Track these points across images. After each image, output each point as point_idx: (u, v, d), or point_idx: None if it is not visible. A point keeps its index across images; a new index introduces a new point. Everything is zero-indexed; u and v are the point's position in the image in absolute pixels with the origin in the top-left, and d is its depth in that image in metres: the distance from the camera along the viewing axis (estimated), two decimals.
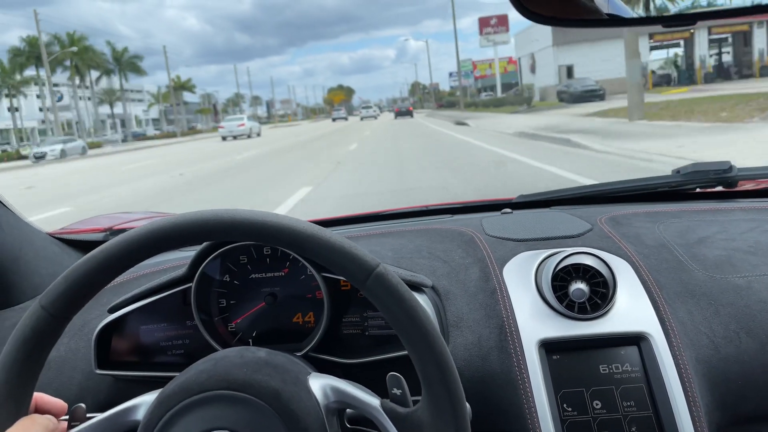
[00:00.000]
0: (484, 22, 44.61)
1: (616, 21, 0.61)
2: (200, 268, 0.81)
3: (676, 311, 0.81)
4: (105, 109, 64.07)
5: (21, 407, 0.57)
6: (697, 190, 1.22)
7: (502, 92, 46.40)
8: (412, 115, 46.31)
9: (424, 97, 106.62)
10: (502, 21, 44.56)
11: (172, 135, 55.27)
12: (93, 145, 39.39)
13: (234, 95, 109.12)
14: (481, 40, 45.07)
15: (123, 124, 68.30)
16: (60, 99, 52.78)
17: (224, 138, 34.36)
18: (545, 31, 38.92)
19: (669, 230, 0.97)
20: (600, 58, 35.72)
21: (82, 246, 1.15)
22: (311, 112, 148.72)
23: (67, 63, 49.94)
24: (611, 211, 1.05)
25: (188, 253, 1.01)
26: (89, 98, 58.91)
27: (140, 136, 56.77)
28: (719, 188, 1.22)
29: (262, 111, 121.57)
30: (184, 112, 73.18)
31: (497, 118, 23.69)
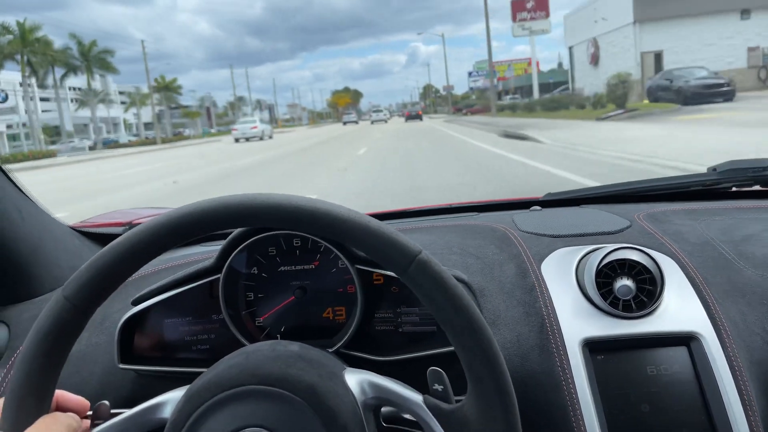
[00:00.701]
0: (517, 6, 33.56)
1: None
2: (228, 260, 0.79)
3: (728, 310, 0.77)
4: (88, 113, 57.83)
5: (42, 404, 0.54)
6: (733, 188, 1.18)
7: (540, 93, 36.95)
8: (421, 119, 49.24)
9: (436, 101, 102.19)
10: (541, 4, 33.59)
11: (151, 142, 48.00)
12: (35, 156, 31.37)
13: (237, 99, 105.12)
14: (515, 29, 34.36)
15: (114, 129, 63.85)
16: (4, 100, 44.42)
17: (237, 140, 35.60)
18: (620, 4, 27.33)
19: (711, 228, 0.93)
20: (701, 41, 24.94)
21: (103, 239, 1.13)
22: (317, 117, 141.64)
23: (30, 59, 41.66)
24: (647, 209, 1.01)
25: (213, 247, 0.98)
26: (45, 99, 51.88)
27: (111, 144, 49.40)
28: (756, 187, 1.17)
29: (263, 115, 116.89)
30: (169, 116, 67.65)
31: (581, 129, 14.64)
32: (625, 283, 0.75)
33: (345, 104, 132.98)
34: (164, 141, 49.29)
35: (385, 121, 58.57)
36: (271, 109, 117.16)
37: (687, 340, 0.74)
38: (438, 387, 0.55)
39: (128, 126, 72.09)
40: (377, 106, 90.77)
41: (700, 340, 0.74)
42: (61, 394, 0.60)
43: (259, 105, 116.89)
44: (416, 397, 0.55)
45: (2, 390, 0.82)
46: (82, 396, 0.63)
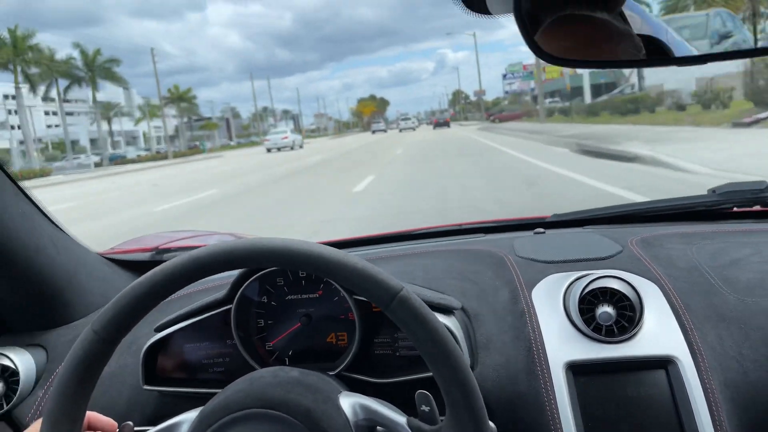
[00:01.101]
0: None
1: (632, 62, 0.63)
2: (239, 291, 0.85)
3: (705, 335, 0.80)
4: (113, 126, 54.13)
5: (75, 426, 0.60)
6: (734, 209, 1.19)
7: (592, 96, 34.12)
8: (448, 125, 51.18)
9: (466, 107, 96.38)
10: None
11: (162, 156, 45.80)
12: (26, 176, 27.91)
13: (262, 110, 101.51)
14: None
15: (134, 143, 60.52)
16: None
17: (269, 150, 36.41)
18: None
19: (701, 252, 0.96)
20: None
21: (130, 266, 1.19)
22: (344, 126, 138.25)
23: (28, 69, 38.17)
24: (644, 232, 1.05)
25: (228, 274, 1.03)
26: (66, 113, 46.45)
27: (118, 159, 45.44)
28: (756, 208, 1.19)
29: (288, 126, 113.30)
30: (182, 129, 63.30)
31: (726, 141, 9.27)
32: (605, 309, 0.79)
33: (370, 113, 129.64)
34: (177, 155, 46.35)
35: (414, 129, 58.65)
36: (295, 119, 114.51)
37: (665, 363, 0.78)
38: (425, 408, 0.60)
39: (147, 139, 67.27)
40: (405, 114, 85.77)
41: (677, 364, 0.77)
42: (91, 415, 0.67)
43: (285, 115, 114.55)
44: (400, 419, 0.62)
45: (42, 408, 0.91)
46: (112, 413, 0.70)
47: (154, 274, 0.59)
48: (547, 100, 45.02)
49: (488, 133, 27.01)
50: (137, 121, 59.70)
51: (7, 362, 0.93)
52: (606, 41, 0.59)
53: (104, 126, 51.55)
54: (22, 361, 0.94)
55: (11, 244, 0.90)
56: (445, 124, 50.98)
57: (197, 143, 64.34)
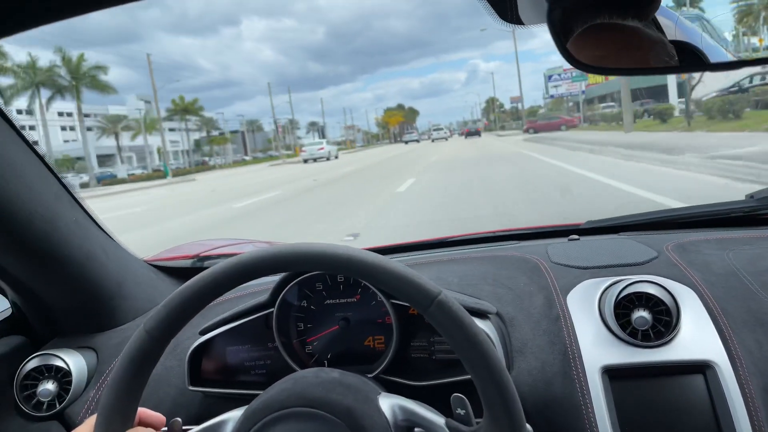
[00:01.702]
0: None
1: (663, 69, 0.63)
2: (281, 295, 0.88)
3: (744, 340, 0.80)
4: (111, 141, 48.49)
5: (127, 420, 0.64)
6: None
7: (678, 96, 26.97)
8: (479, 135, 53.60)
9: (501, 117, 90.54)
10: None
11: (159, 175, 38.60)
12: None
13: (289, 122, 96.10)
14: None
15: (151, 159, 53.72)
16: None
17: (305, 161, 37.16)
18: None
19: (739, 258, 0.95)
20: None
21: (174, 272, 1.23)
22: (372, 138, 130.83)
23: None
24: (680, 238, 1.04)
25: (269, 279, 1.06)
26: (87, 127, 41.93)
27: (107, 179, 40.78)
28: None
29: (313, 137, 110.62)
30: (197, 143, 59.77)
31: None
32: (641, 314, 0.79)
33: (397, 123, 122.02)
34: (178, 173, 39.83)
35: (446, 139, 58.80)
36: (321, 131, 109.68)
37: (702, 368, 0.77)
38: (460, 411, 0.62)
39: (163, 154, 59.22)
40: (438, 124, 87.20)
41: (715, 369, 0.76)
42: (142, 411, 0.70)
43: (311, 127, 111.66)
44: (439, 420, 0.63)
45: (93, 408, 0.94)
46: (160, 413, 0.73)
47: (201, 277, 0.62)
48: (602, 105, 41.42)
49: (542, 146, 19.87)
50: (134, 136, 50.96)
51: (60, 363, 0.97)
52: (638, 48, 0.59)
53: (113, 141, 48.33)
54: (74, 362, 0.98)
55: (66, 251, 0.94)
56: (477, 133, 55.39)
57: (206, 159, 60.97)
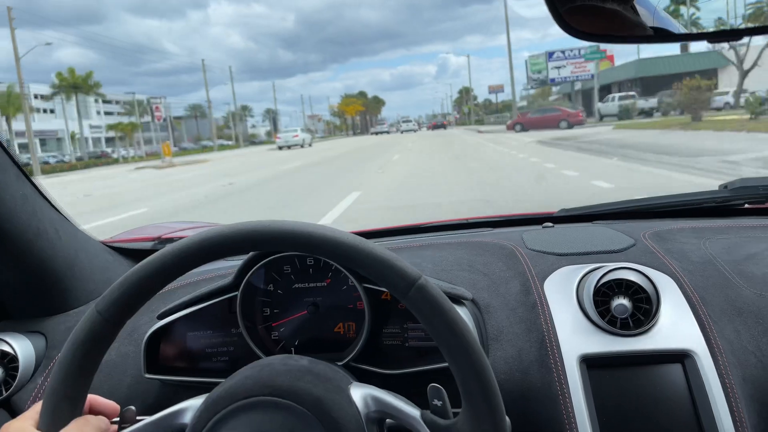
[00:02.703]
0: None
1: (661, 37, 0.61)
2: (246, 278, 0.83)
3: (723, 329, 0.79)
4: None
5: (76, 408, 0.59)
6: (746, 205, 1.18)
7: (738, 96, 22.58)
8: (445, 128, 55.46)
9: (475, 109, 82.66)
10: None
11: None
12: None
13: (242, 108, 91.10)
14: None
15: (58, 146, 46.58)
16: None
17: (280, 147, 38.71)
18: None
19: (715, 246, 0.94)
20: None
21: (133, 254, 1.17)
22: (336, 129, 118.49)
23: None
24: (655, 227, 1.03)
25: (234, 263, 1.02)
26: None
27: None
28: None
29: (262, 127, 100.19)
30: (86, 129, 47.86)
31: None
32: (621, 302, 0.77)
33: (356, 112, 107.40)
34: (49, 170, 31.71)
35: (414, 131, 59.72)
36: (273, 120, 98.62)
37: (681, 357, 0.76)
38: (437, 402, 0.58)
39: (76, 141, 51.98)
40: (407, 117, 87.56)
41: (694, 358, 0.75)
42: (93, 399, 0.66)
43: (266, 115, 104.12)
44: (414, 412, 0.59)
45: (41, 395, 0.88)
46: (113, 402, 0.68)
47: (162, 254, 0.57)
48: (616, 95, 31.75)
49: (575, 155, 12.68)
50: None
51: (6, 348, 0.91)
52: (637, 16, 0.57)
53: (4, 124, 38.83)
54: (22, 347, 0.93)
55: (11, 226, 0.88)
56: (442, 126, 60.17)
57: (108, 150, 51.23)
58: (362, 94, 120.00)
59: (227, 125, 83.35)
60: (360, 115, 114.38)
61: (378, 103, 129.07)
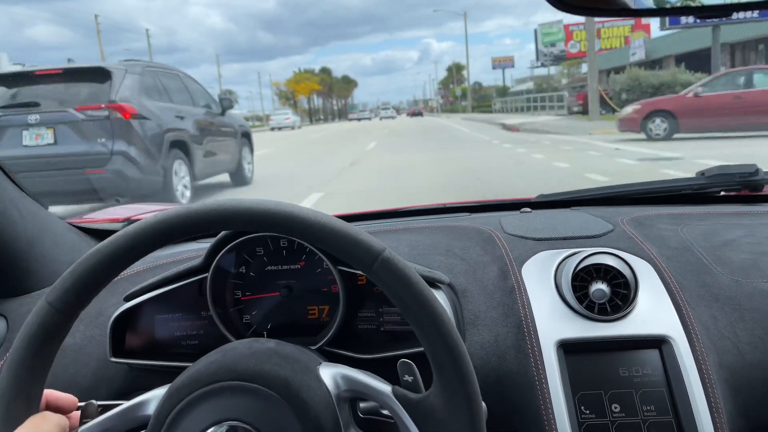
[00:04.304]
0: None
1: (647, 11, 0.60)
2: (216, 259, 0.81)
3: (700, 315, 0.79)
4: None
5: (32, 404, 0.56)
6: (722, 193, 1.19)
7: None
8: (422, 115, 53.65)
9: (461, 95, 62.83)
10: None
11: None
12: None
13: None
14: None
15: None
16: None
17: (273, 129, 41.28)
18: None
19: (693, 233, 0.94)
20: None
21: (100, 234, 1.14)
22: (308, 114, 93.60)
23: None
24: (633, 213, 1.03)
25: (206, 245, 0.99)
26: None
27: None
28: (744, 192, 1.18)
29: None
30: None
31: None
32: (599, 287, 0.77)
33: (309, 92, 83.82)
34: None
35: (393, 118, 59.42)
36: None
37: (658, 343, 0.76)
38: (408, 378, 0.57)
39: None
40: (386, 103, 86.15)
41: (671, 344, 0.75)
42: (49, 393, 0.62)
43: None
44: (385, 388, 0.58)
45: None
46: (77, 387, 0.66)
47: (115, 238, 0.54)
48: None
49: None
50: None
51: None
52: None
53: None
54: None
55: None
56: (419, 114, 59.10)
57: None
58: (325, 71, 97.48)
59: None
60: (322, 97, 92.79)
61: (349, 84, 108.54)
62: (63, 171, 5.31)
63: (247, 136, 8.26)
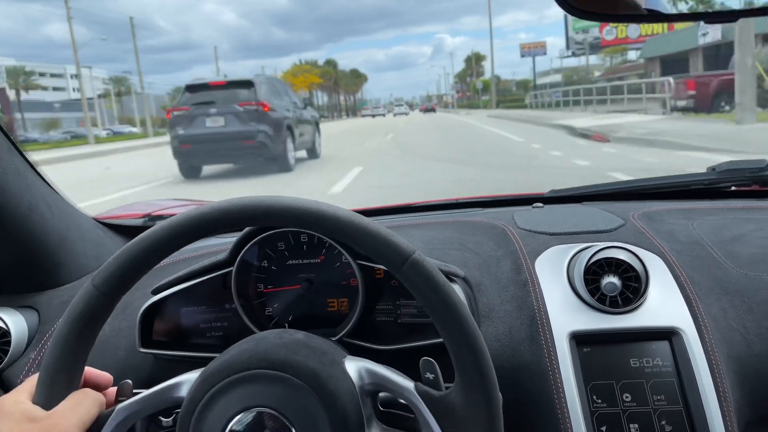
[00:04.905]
0: None
1: (656, 16, 0.60)
2: (240, 254, 0.84)
3: (709, 307, 0.81)
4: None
5: (73, 381, 0.60)
6: (732, 188, 1.20)
7: None
8: (435, 111, 52.72)
9: (481, 88, 59.22)
10: None
11: None
12: None
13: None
14: None
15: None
16: None
17: None
18: None
19: (703, 227, 0.96)
20: None
21: (124, 230, 1.18)
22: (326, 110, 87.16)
23: None
24: (644, 208, 1.05)
25: (227, 239, 1.03)
26: None
27: None
28: (755, 187, 1.19)
29: None
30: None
31: None
32: (611, 280, 0.79)
33: (309, 85, 75.50)
34: None
35: (406, 114, 58.75)
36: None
37: (669, 334, 0.78)
38: (429, 375, 0.60)
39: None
40: (399, 99, 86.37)
41: (681, 335, 0.77)
42: (88, 371, 0.66)
43: None
44: (408, 384, 0.60)
45: (34, 370, 0.89)
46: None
47: (157, 229, 0.58)
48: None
49: None
50: None
51: None
52: None
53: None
54: (14, 321, 0.92)
55: (4, 200, 0.88)
56: (432, 110, 57.40)
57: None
58: (330, 63, 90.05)
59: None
60: (327, 91, 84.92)
61: (357, 78, 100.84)
62: (229, 142, 9.06)
63: (317, 124, 12.11)
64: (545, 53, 40.38)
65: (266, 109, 9.09)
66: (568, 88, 28.43)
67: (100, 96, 66.01)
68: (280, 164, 9.44)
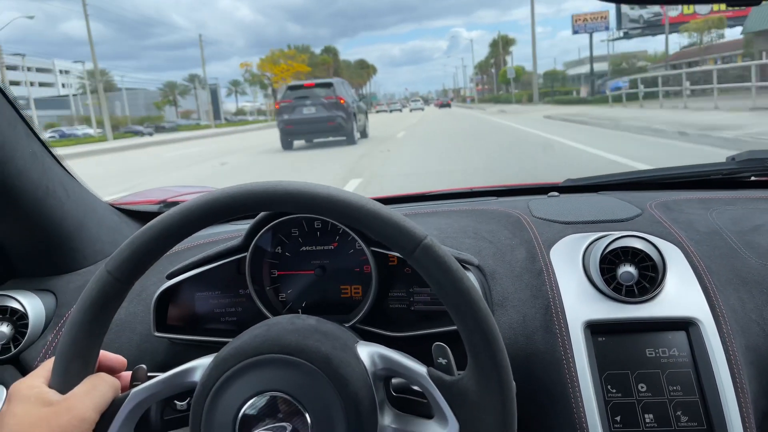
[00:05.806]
0: None
1: None
2: (255, 239, 0.84)
3: (727, 298, 0.80)
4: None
5: (88, 365, 0.60)
6: (752, 178, 1.18)
7: None
8: (450, 106, 54.28)
9: (513, 78, 49.80)
10: None
11: None
12: None
13: (189, 80, 68.58)
14: None
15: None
16: None
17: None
18: None
19: (722, 217, 0.95)
20: None
21: (139, 216, 1.19)
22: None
23: None
24: (662, 197, 1.03)
25: (241, 226, 1.04)
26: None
27: None
28: None
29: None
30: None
31: None
32: (627, 269, 0.79)
33: (290, 75, 57.05)
34: None
35: (422, 109, 58.75)
36: (215, 93, 78.23)
37: (686, 325, 0.77)
38: (442, 360, 0.60)
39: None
40: (415, 94, 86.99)
41: (699, 326, 0.76)
42: (102, 354, 0.66)
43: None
44: (421, 369, 0.60)
45: (51, 352, 0.90)
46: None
47: (169, 214, 0.58)
48: None
49: None
50: None
51: (15, 305, 0.91)
52: None
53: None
54: (31, 304, 0.93)
55: (22, 183, 0.88)
56: (447, 105, 61.07)
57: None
58: (328, 50, 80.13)
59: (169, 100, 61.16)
60: (292, 77, 58.89)
61: (364, 69, 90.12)
62: (318, 124, 13.73)
63: (366, 113, 17.54)
64: (607, 27, 32.16)
65: (342, 101, 13.74)
66: (647, 75, 22.69)
67: (80, 93, 59.56)
68: (349, 139, 14.17)
